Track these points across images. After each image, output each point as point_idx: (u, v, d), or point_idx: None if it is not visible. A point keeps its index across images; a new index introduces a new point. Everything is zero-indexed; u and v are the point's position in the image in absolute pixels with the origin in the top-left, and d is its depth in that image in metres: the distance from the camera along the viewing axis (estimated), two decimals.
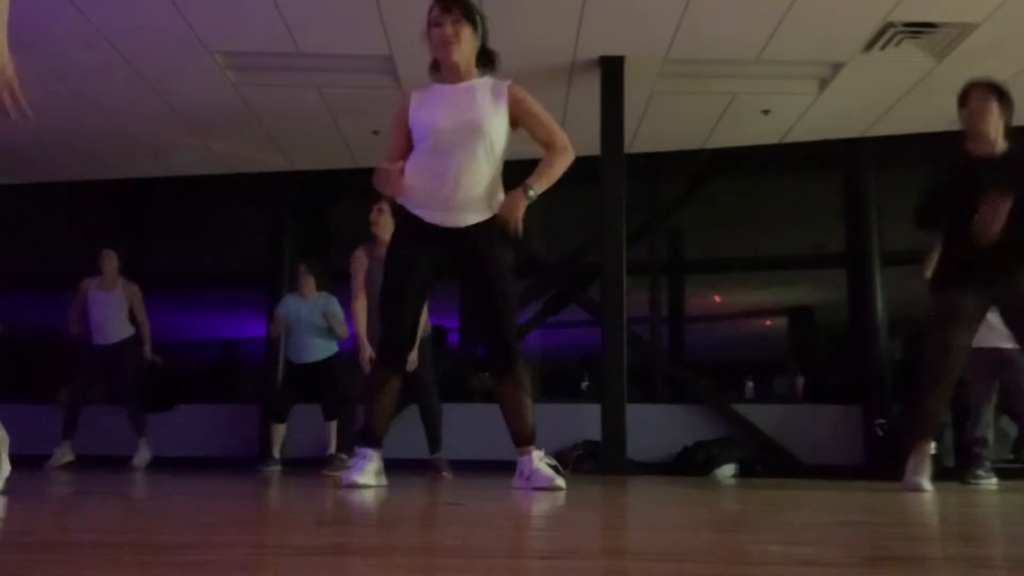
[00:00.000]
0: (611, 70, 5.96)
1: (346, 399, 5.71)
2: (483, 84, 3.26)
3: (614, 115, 6.06)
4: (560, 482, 3.10)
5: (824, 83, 6.23)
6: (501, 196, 3.25)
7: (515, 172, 3.36)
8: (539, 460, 3.18)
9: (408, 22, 5.40)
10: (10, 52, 2.15)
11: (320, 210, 8.38)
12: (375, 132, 7.05)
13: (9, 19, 2.18)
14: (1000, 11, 5.17)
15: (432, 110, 3.21)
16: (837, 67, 6.00)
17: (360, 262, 5.33)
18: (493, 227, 3.20)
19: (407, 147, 3.29)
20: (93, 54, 5.75)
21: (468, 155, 3.15)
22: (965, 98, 3.95)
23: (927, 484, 3.82)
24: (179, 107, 6.65)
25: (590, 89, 6.10)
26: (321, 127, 6.98)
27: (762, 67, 6.01)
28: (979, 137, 3.90)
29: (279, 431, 6.36)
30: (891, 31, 5.47)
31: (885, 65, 5.89)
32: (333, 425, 6.25)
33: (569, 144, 3.30)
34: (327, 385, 6.32)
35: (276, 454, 6.29)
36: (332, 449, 6.15)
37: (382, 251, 5.11)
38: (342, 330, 6.27)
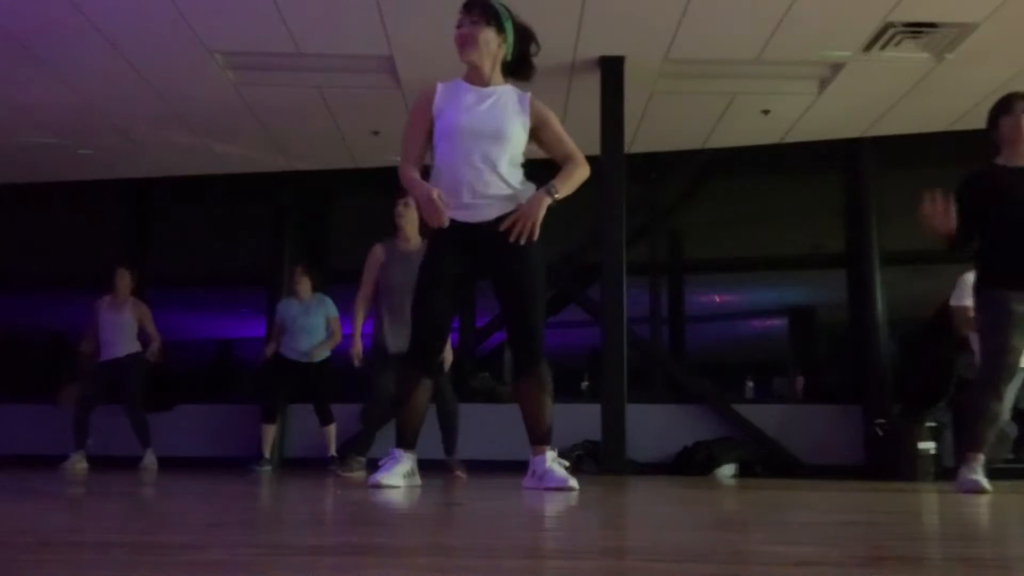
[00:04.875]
0: (611, 70, 5.96)
1: (373, 400, 5.20)
2: (507, 92, 3.30)
3: (614, 115, 6.07)
4: (573, 483, 3.10)
5: (824, 83, 6.23)
6: (530, 189, 3.26)
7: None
8: (552, 460, 3.19)
9: (408, 22, 5.42)
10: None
11: (320, 210, 8.37)
12: (375, 132, 7.05)
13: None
14: (1000, 11, 5.17)
15: (458, 109, 3.23)
16: (837, 67, 6.01)
17: (375, 257, 5.13)
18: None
19: (426, 143, 3.32)
20: (93, 54, 5.75)
21: (489, 160, 3.17)
22: (1007, 107, 3.85)
23: (985, 482, 3.67)
24: (179, 107, 6.65)
25: (590, 89, 6.10)
26: (321, 127, 6.98)
27: (762, 67, 6.02)
28: (1016, 148, 3.83)
29: (269, 431, 6.35)
30: (891, 31, 5.48)
31: (885, 65, 5.89)
32: (330, 430, 6.24)
33: (585, 161, 3.36)
34: (320, 387, 6.31)
35: (267, 454, 6.28)
36: (332, 451, 6.14)
37: (404, 245, 5.06)
38: (338, 335, 6.25)
